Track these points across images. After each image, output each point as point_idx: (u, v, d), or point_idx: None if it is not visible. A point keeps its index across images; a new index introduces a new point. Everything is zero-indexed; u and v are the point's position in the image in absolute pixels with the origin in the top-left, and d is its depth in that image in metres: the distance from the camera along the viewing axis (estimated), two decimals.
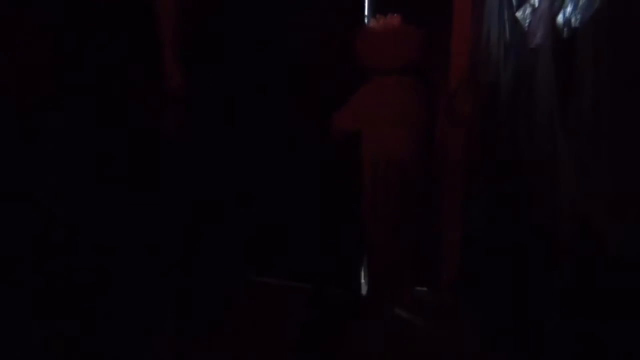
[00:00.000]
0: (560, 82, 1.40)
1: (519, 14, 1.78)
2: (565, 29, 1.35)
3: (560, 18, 1.39)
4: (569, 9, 1.33)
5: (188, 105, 2.23)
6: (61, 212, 1.82)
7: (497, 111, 2.10)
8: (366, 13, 2.58)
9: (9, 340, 1.55)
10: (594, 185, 1.15)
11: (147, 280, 2.06)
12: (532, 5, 1.65)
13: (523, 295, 1.92)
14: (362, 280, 2.77)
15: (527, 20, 1.67)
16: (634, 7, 1.06)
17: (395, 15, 2.38)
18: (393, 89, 2.38)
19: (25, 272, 1.62)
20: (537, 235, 1.71)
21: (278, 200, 2.65)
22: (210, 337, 2.21)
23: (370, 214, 2.49)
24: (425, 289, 2.79)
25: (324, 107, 2.47)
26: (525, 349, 1.88)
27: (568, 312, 1.39)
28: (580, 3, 1.24)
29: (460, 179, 2.65)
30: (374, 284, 2.63)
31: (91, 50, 1.94)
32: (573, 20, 1.29)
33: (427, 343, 2.30)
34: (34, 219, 1.71)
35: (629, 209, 1.06)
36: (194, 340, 2.14)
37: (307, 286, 2.65)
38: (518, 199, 1.95)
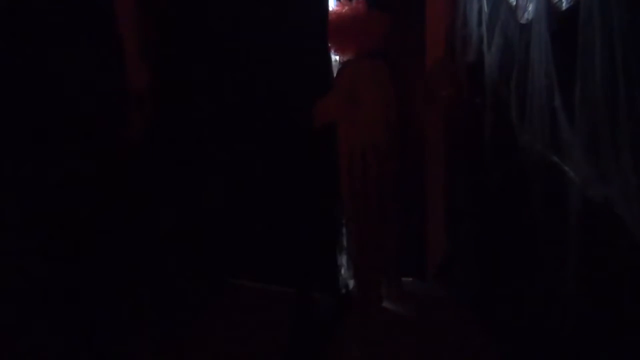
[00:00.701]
0: (559, 59, 1.31)
1: None
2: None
3: None
4: None
5: (154, 105, 2.10)
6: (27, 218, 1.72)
7: (482, 93, 2.01)
8: None
9: None
10: (612, 168, 1.07)
11: (125, 285, 1.97)
12: None
13: (513, 283, 1.88)
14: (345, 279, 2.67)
15: None
16: None
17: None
18: (367, 72, 2.34)
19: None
20: (532, 220, 1.64)
21: (253, 202, 2.51)
22: (192, 342, 2.13)
23: (350, 204, 2.42)
24: (410, 279, 2.72)
25: (297, 102, 2.34)
26: (516, 338, 1.84)
27: (582, 299, 1.31)
28: None
29: (442, 164, 2.59)
30: (360, 279, 2.53)
31: (45, 49, 1.81)
32: None
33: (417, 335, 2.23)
34: None
35: None
36: (175, 346, 2.06)
37: (288, 289, 2.54)
38: (508, 184, 1.89)
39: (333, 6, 2.39)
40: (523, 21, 1.53)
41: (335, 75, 2.42)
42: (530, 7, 1.44)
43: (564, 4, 1.26)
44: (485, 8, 1.93)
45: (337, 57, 2.48)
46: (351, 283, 2.59)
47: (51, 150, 1.89)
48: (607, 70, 1.07)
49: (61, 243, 1.82)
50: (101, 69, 1.99)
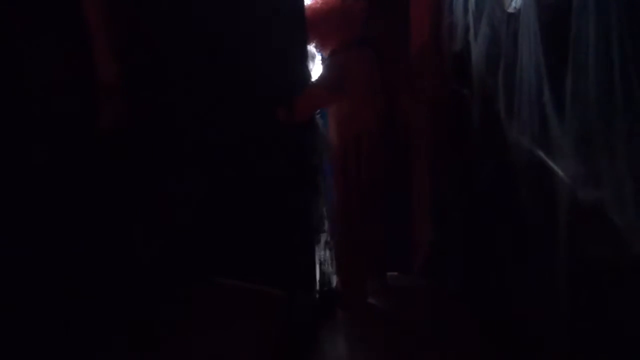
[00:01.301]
0: (549, 50, 1.23)
1: None
2: None
3: None
4: None
5: (126, 96, 2.01)
6: None
7: (468, 84, 1.95)
8: None
9: None
10: (605, 169, 1.00)
11: (101, 285, 1.91)
12: None
13: (498, 278, 1.84)
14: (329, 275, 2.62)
15: None
16: None
17: None
18: (355, 61, 2.29)
19: None
20: (520, 215, 1.59)
21: (232, 198, 2.43)
22: (175, 340, 2.03)
23: (341, 197, 2.40)
24: (395, 273, 2.69)
25: (275, 93, 2.24)
26: (505, 330, 1.80)
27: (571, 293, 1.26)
28: None
29: (427, 158, 2.54)
30: (344, 275, 2.50)
31: (8, 40, 1.72)
32: None
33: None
34: None
35: None
36: (156, 345, 1.99)
37: (270, 288, 2.48)
38: (495, 178, 1.83)
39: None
40: (511, 10, 1.46)
41: (323, 66, 2.37)
42: None
43: None
44: None
45: (320, 52, 2.42)
46: (335, 279, 2.54)
47: (20, 146, 1.81)
48: (602, 64, 1.00)
49: (34, 241, 1.77)
50: (68, 60, 1.92)
